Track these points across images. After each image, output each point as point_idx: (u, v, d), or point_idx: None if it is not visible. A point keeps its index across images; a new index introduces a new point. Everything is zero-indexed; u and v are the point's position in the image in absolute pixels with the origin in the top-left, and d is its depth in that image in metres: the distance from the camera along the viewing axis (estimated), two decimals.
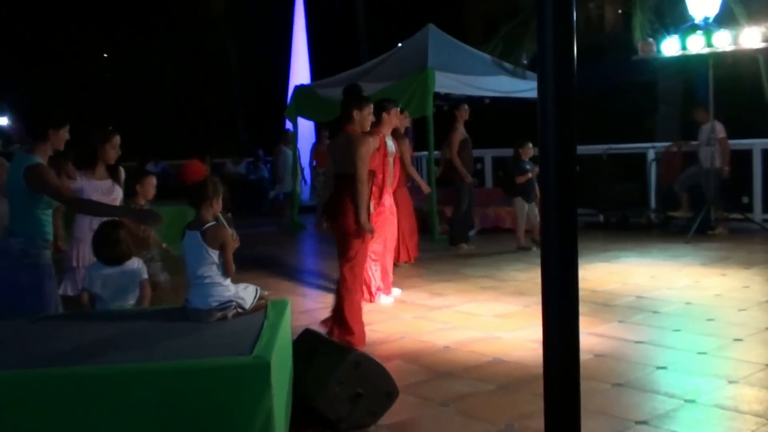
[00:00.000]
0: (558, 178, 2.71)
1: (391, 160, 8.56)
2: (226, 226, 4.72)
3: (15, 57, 30.62)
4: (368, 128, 7.00)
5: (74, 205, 5.54)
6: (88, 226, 6.10)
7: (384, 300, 8.40)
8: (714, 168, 12.60)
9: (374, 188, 7.76)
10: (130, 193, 6.82)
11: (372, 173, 6.88)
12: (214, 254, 4.53)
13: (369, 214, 6.83)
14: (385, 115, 8.29)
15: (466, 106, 12.22)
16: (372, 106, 7.03)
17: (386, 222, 8.49)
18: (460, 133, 11.98)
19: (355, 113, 6.79)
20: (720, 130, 12.92)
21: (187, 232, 4.64)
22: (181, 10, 31.35)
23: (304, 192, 18.96)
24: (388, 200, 8.52)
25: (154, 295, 5.85)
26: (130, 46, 31.48)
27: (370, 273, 8.28)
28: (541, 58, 2.71)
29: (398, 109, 8.59)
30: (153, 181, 7.09)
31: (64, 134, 5.29)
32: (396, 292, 8.72)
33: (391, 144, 8.55)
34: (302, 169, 17.07)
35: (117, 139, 6.42)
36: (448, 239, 12.76)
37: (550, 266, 2.77)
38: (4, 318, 4.87)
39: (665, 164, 14.38)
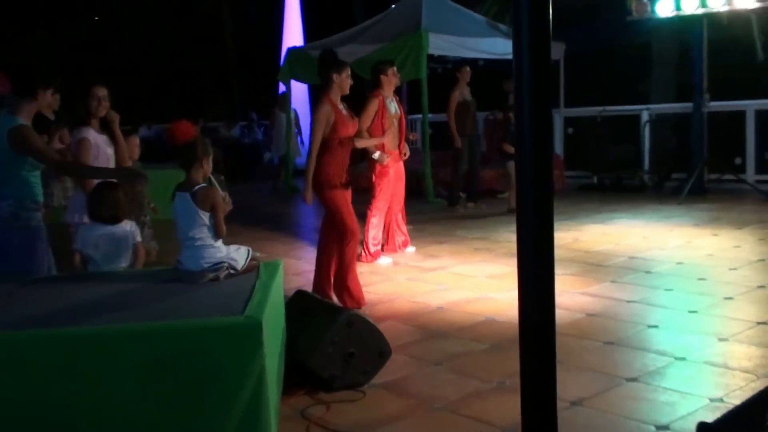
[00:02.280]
0: (533, 143, 2.70)
1: (395, 121, 8.54)
2: (218, 187, 4.71)
3: (7, 19, 30.36)
4: (348, 91, 6.86)
5: (60, 168, 5.52)
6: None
7: (383, 261, 8.46)
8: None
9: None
10: None
11: (347, 140, 6.79)
12: (205, 216, 4.51)
13: (330, 182, 6.65)
14: (383, 77, 8.31)
15: (468, 68, 12.21)
16: (349, 68, 6.92)
17: (390, 183, 8.53)
18: (459, 94, 11.97)
19: (335, 77, 6.70)
20: None
21: (177, 194, 4.62)
22: None
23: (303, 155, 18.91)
24: (394, 163, 8.52)
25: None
26: (123, 9, 31.20)
27: (368, 232, 8.40)
28: (516, 20, 2.70)
29: (395, 68, 8.57)
30: (136, 141, 7.13)
31: (51, 97, 5.23)
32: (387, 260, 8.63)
33: (393, 106, 8.54)
34: (299, 132, 16.96)
35: (97, 90, 6.16)
36: (443, 201, 12.81)
37: (525, 229, 2.79)
38: None
39: (488, 137, 14.16)
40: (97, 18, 33.59)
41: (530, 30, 2.65)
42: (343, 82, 6.73)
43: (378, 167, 8.34)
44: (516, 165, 2.83)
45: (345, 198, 6.69)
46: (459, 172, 12.28)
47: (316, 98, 16.32)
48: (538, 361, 2.81)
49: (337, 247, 6.74)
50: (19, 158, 5.03)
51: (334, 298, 6.70)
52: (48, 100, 5.21)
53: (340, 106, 6.73)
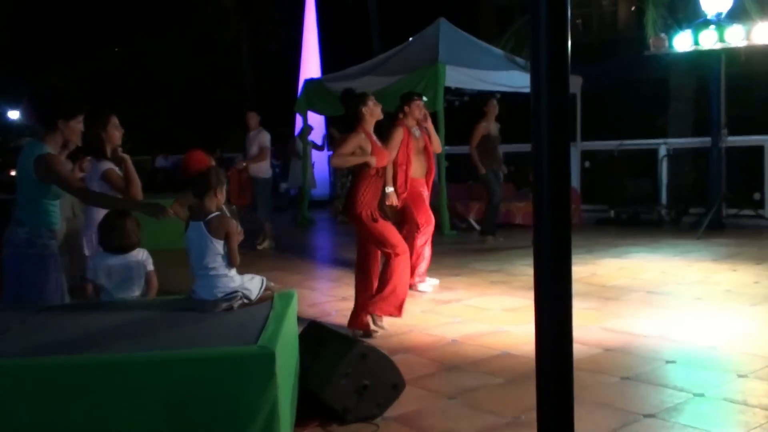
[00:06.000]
0: (551, 176, 2.68)
1: (421, 148, 8.55)
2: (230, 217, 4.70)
3: (29, 51, 30.73)
4: (381, 116, 6.94)
5: (83, 196, 5.51)
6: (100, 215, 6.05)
7: (423, 287, 8.57)
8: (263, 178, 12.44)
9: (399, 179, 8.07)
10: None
11: (383, 170, 6.89)
12: (219, 244, 4.50)
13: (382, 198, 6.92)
14: (406, 108, 8.35)
15: (495, 102, 12.15)
16: (373, 96, 6.98)
17: (425, 202, 8.57)
18: (484, 127, 11.93)
19: (364, 110, 6.75)
20: (265, 140, 12.56)
21: (191, 223, 4.61)
22: (193, 3, 31.35)
23: (321, 187, 18.99)
24: (425, 191, 8.54)
25: None
26: (142, 40, 31.51)
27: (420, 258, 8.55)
28: (534, 56, 2.68)
29: (421, 101, 8.58)
30: None
31: (77, 126, 5.19)
32: (433, 281, 8.84)
33: (416, 131, 8.55)
34: (312, 163, 17.02)
35: (115, 119, 6.22)
36: (458, 234, 12.77)
37: (542, 264, 2.76)
38: (10, 307, 4.87)
39: (235, 187, 12.29)
40: (116, 49, 33.91)
41: (549, 62, 2.63)
42: (373, 110, 6.80)
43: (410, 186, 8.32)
44: (533, 199, 2.80)
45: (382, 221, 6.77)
46: (493, 203, 12.16)
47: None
48: (556, 396, 2.76)
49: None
50: (42, 186, 5.02)
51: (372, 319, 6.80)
52: (74, 130, 5.17)
53: (374, 138, 6.83)
